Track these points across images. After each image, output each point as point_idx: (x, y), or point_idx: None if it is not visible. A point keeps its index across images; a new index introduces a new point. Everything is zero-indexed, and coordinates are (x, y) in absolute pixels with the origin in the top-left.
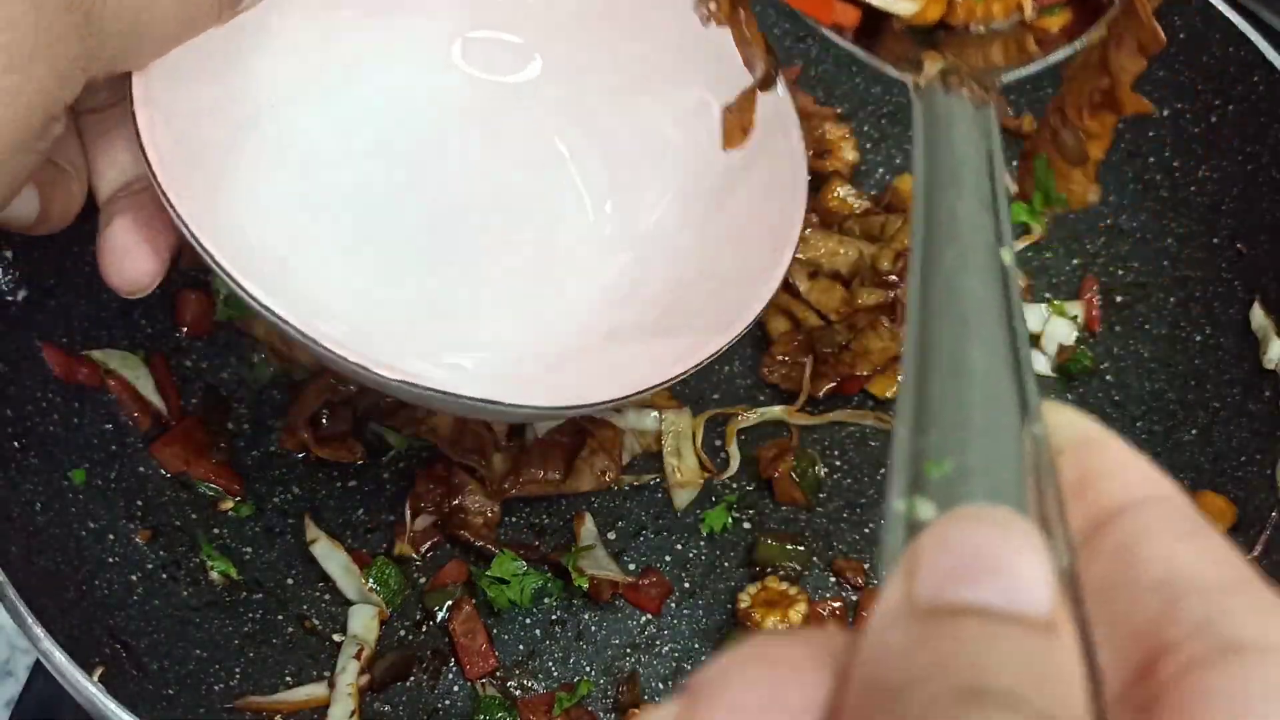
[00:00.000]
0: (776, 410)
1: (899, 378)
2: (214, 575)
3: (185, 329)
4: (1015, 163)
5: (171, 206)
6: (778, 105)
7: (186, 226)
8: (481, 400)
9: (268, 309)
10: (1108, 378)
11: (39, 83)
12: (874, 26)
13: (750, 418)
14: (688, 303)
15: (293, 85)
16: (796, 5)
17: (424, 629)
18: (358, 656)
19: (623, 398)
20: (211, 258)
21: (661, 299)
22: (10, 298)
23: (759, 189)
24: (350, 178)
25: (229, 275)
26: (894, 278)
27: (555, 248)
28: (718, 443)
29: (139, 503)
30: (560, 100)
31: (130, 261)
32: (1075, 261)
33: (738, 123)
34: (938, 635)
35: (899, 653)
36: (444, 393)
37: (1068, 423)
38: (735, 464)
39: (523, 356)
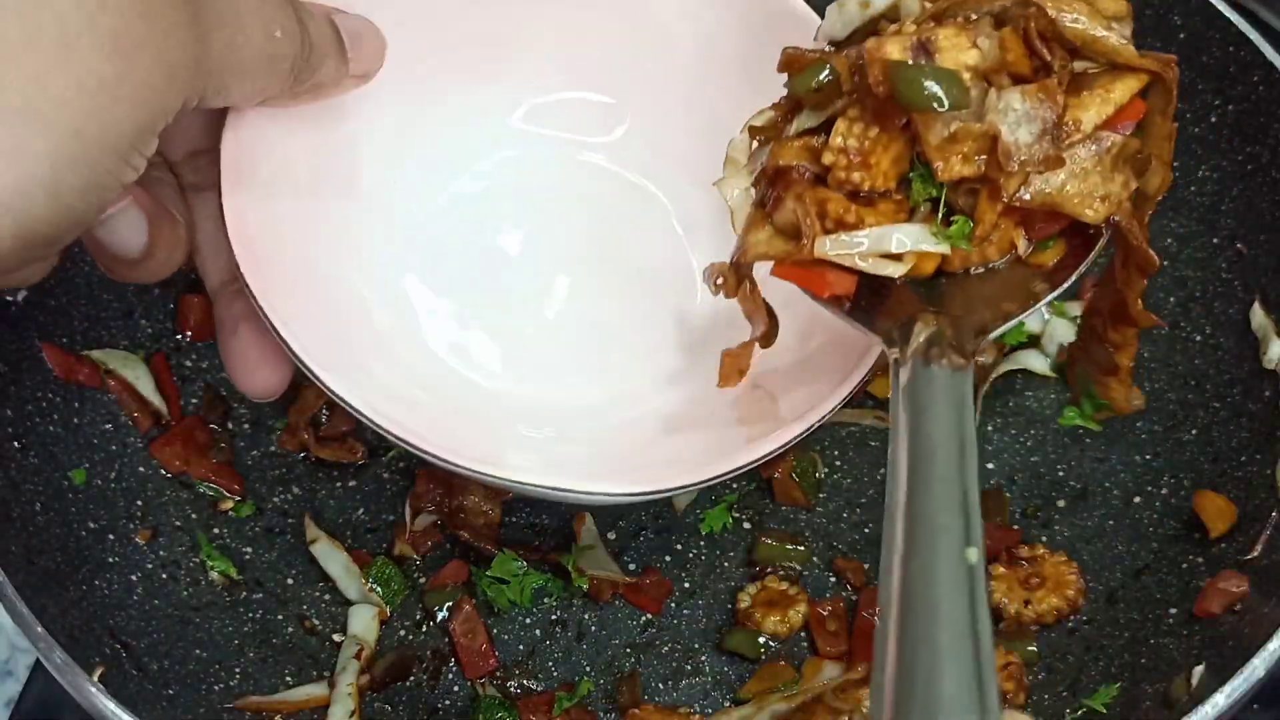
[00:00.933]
0: None
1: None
2: (214, 575)
3: (190, 333)
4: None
5: (265, 314)
6: None
7: (283, 337)
8: (584, 491)
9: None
10: None
11: (145, 75)
12: (876, 282)
13: None
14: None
15: (377, 172)
16: (793, 281)
17: (424, 629)
18: (358, 656)
19: (741, 467)
20: (318, 378)
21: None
22: (10, 298)
23: None
24: (442, 250)
25: (338, 394)
26: None
27: (657, 306)
28: None
29: (139, 503)
30: (650, 154)
31: (264, 372)
32: None
33: (735, 365)
34: None
35: None
36: (530, 485)
37: None
38: None
39: (626, 427)
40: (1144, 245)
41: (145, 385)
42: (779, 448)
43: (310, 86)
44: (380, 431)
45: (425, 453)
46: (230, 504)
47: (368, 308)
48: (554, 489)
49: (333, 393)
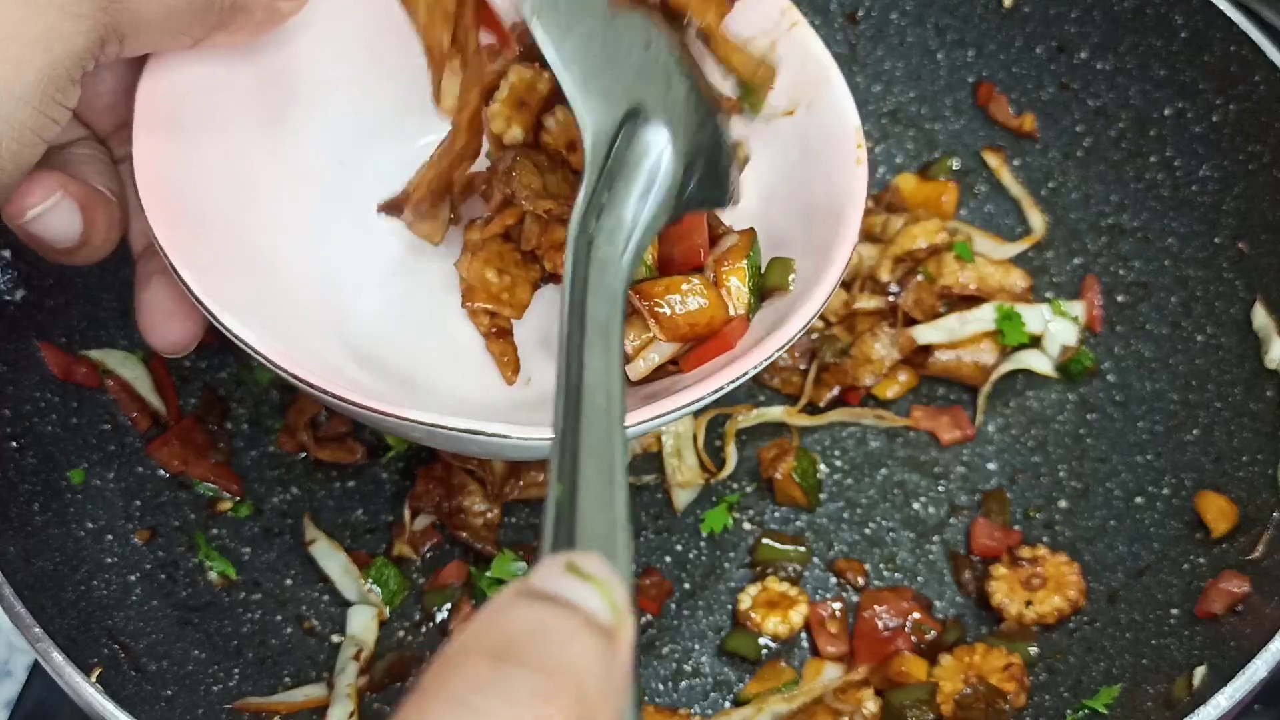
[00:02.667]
0: (776, 411)
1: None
2: (213, 575)
3: None
4: None
5: (174, 268)
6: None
7: (188, 287)
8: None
9: (302, 380)
10: (1109, 378)
11: (50, 18)
12: None
13: (749, 417)
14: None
15: (304, 127)
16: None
17: (423, 630)
18: (356, 657)
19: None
20: (225, 326)
21: None
22: (9, 298)
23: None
24: (354, 223)
25: (246, 343)
26: (894, 288)
27: None
28: (718, 443)
29: (137, 503)
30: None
31: (173, 323)
32: (1076, 261)
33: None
34: None
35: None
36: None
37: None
38: (732, 464)
39: None
40: None
41: (144, 385)
42: (685, 406)
43: (240, 23)
44: (285, 376)
45: (322, 390)
46: (229, 504)
47: (287, 269)
48: (466, 431)
49: (231, 333)
